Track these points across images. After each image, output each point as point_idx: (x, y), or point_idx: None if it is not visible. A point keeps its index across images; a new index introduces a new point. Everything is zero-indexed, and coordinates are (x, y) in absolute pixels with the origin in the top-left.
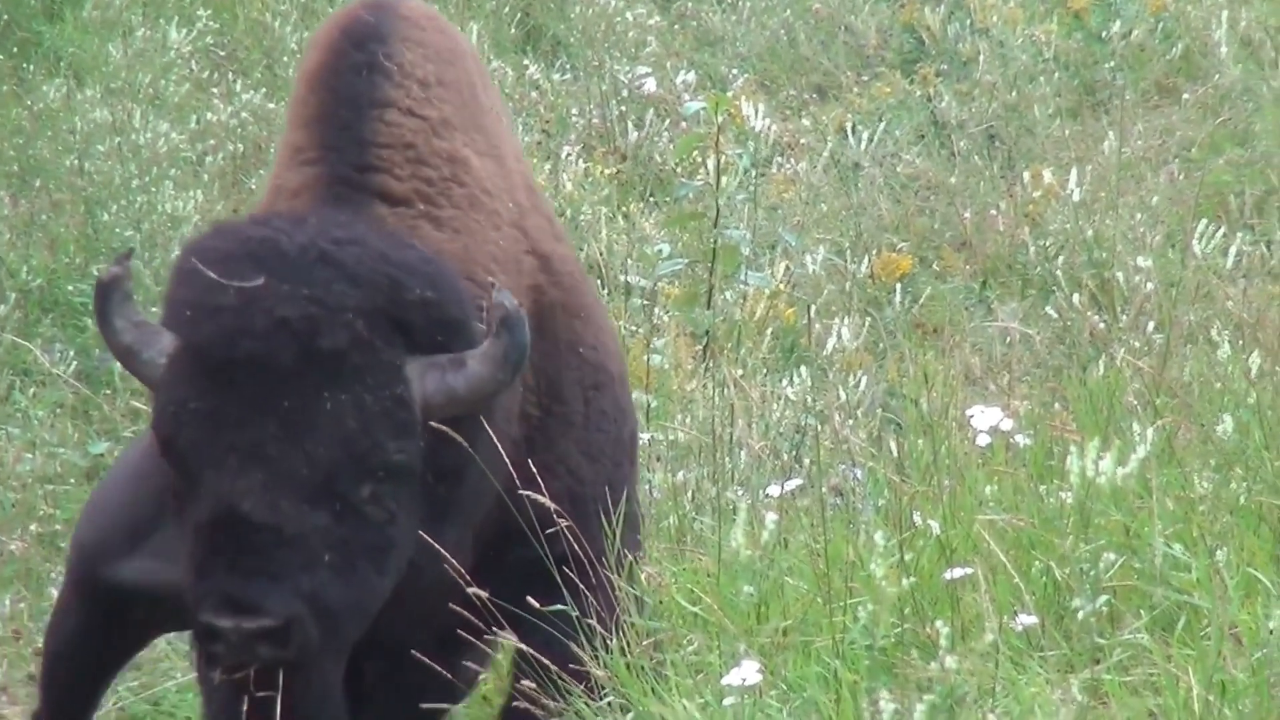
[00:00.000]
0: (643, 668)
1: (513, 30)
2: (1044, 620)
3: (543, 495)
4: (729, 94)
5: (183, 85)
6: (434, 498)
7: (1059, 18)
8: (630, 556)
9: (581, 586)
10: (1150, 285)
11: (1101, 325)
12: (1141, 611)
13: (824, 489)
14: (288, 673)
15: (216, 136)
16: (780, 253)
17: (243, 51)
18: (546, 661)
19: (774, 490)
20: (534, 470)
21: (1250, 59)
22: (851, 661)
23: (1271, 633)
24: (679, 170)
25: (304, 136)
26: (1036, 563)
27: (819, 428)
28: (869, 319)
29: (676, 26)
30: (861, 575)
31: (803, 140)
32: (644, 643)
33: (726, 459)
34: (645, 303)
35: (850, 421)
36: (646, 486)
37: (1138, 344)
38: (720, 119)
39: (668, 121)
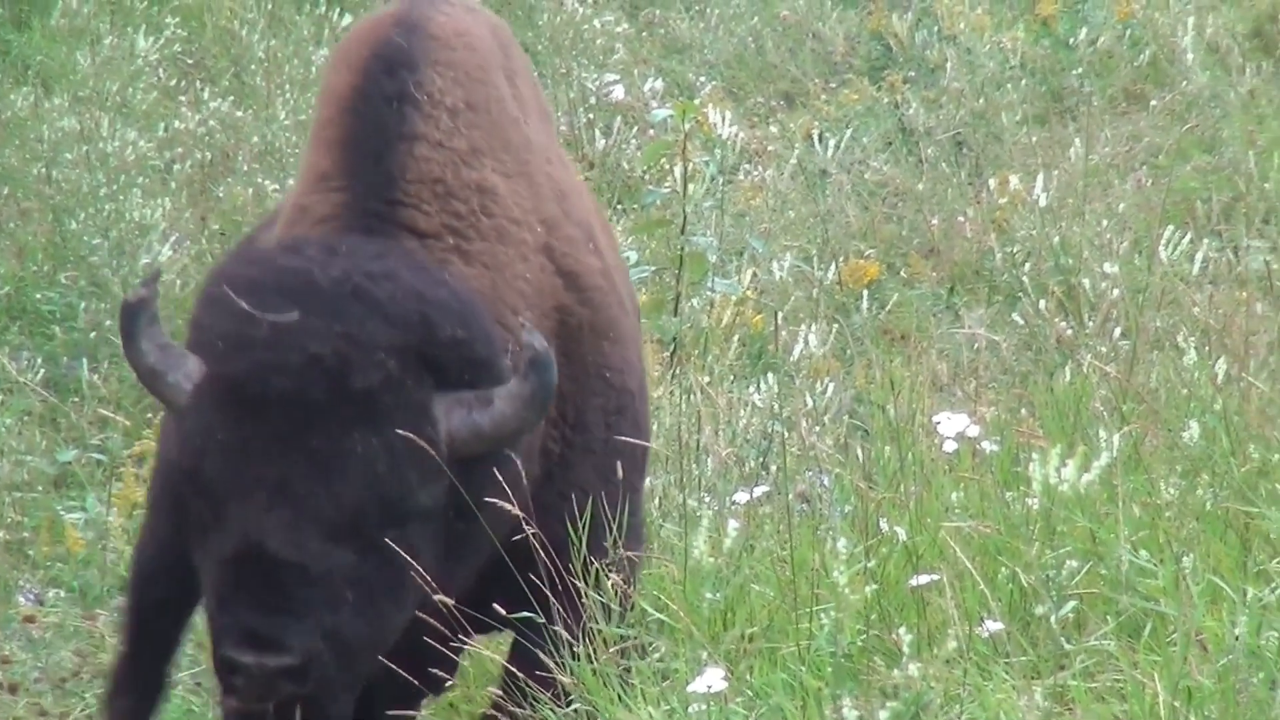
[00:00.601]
0: (609, 675)
1: None
2: (1009, 626)
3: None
4: (696, 101)
5: (150, 93)
6: (453, 532)
7: (1026, 25)
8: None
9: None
10: (1117, 291)
11: (1068, 331)
12: (1108, 618)
13: (791, 496)
14: (304, 706)
15: (184, 144)
16: (747, 260)
17: (210, 59)
18: (514, 669)
19: (741, 497)
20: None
21: (1217, 65)
22: (817, 668)
23: (1237, 639)
24: (646, 177)
25: (331, 163)
26: (1002, 569)
27: (786, 434)
28: (836, 326)
29: (644, 34)
30: (827, 582)
31: (770, 147)
32: (610, 650)
33: (693, 466)
34: None
35: (817, 428)
36: None
37: (1104, 350)
38: (687, 126)
39: (635, 129)
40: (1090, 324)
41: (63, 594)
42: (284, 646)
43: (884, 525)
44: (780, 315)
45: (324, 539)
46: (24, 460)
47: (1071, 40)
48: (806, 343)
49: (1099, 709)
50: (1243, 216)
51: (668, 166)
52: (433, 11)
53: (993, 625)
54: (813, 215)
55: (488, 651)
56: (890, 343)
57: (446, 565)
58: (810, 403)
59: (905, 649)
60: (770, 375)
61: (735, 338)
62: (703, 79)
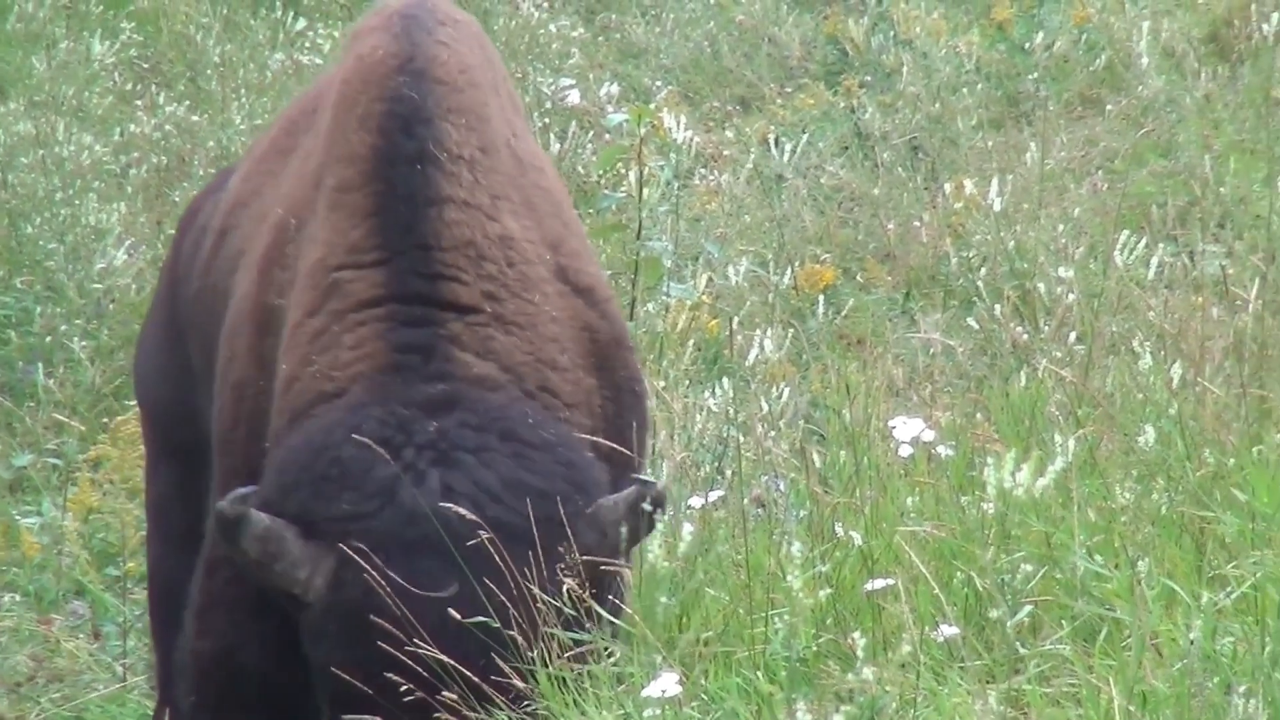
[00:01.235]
0: (564, 679)
1: None
2: (965, 631)
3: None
4: (652, 106)
5: (106, 98)
6: None
7: (982, 29)
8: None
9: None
10: (1072, 296)
11: (1024, 336)
12: (1063, 622)
13: (746, 500)
14: None
15: (140, 149)
16: (703, 264)
17: (166, 64)
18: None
19: (696, 502)
20: None
21: (1173, 70)
22: (772, 672)
23: (1192, 643)
24: (602, 182)
25: (362, 234)
26: (958, 574)
27: (741, 439)
28: (792, 330)
29: (600, 38)
30: (782, 587)
31: (726, 152)
32: (565, 655)
33: (649, 470)
34: None
35: (773, 433)
36: None
37: (1060, 355)
38: (643, 131)
39: (591, 133)
40: (1045, 329)
41: (18, 598)
42: None
43: (839, 530)
44: (735, 320)
45: None
46: None
47: (1027, 45)
48: (762, 347)
49: (1054, 713)
50: (1198, 221)
51: (623, 171)
52: (435, 48)
53: (948, 630)
54: (768, 220)
55: None
56: (846, 347)
57: None
58: (765, 407)
59: (860, 653)
60: (725, 380)
61: (690, 342)
62: (658, 83)
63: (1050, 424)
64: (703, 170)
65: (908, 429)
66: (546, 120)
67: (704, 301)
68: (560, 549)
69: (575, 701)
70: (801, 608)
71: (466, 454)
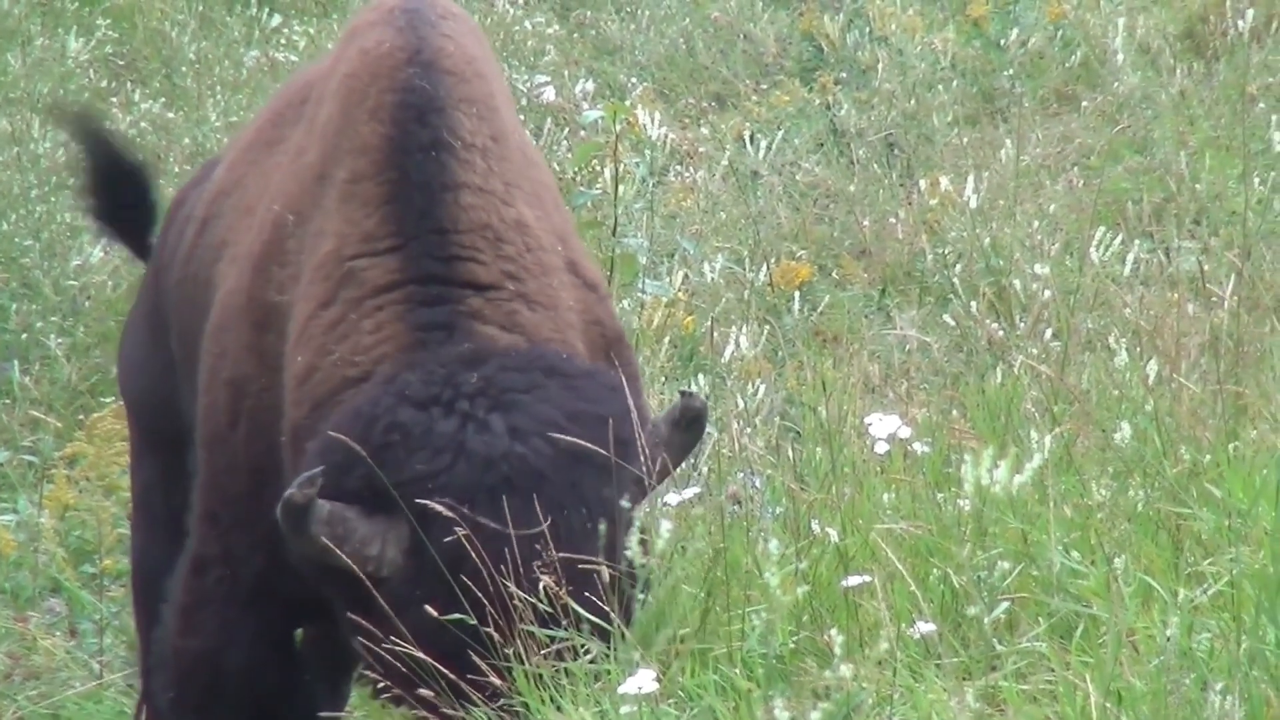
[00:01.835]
0: (541, 676)
1: None
2: (941, 628)
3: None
4: (627, 102)
5: (82, 94)
6: None
7: (957, 26)
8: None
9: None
10: (1048, 293)
11: (1000, 333)
12: (1039, 619)
13: (722, 497)
14: None
15: None
16: (679, 261)
17: (142, 61)
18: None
19: (672, 499)
20: None
21: (1149, 66)
22: (749, 669)
23: (1169, 640)
24: (577, 179)
25: (376, 222)
26: (934, 570)
27: (717, 436)
28: (768, 327)
29: (575, 35)
30: (759, 584)
31: (701, 149)
32: (542, 652)
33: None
34: None
35: (749, 430)
36: None
37: (1036, 351)
38: (618, 128)
39: (566, 130)
40: (1021, 325)
41: None
42: None
43: (816, 527)
44: (711, 317)
45: None
46: None
47: (1003, 41)
48: (738, 344)
49: (1031, 710)
50: (1174, 218)
51: (599, 168)
52: (439, 40)
53: (924, 626)
54: (744, 217)
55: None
56: (822, 344)
57: None
58: (742, 404)
59: (837, 650)
60: (701, 377)
61: (666, 339)
62: (634, 80)
63: (1026, 421)
64: (678, 167)
65: (884, 426)
66: (522, 117)
67: (680, 298)
68: (631, 469)
69: (552, 698)
70: (778, 605)
71: (520, 394)
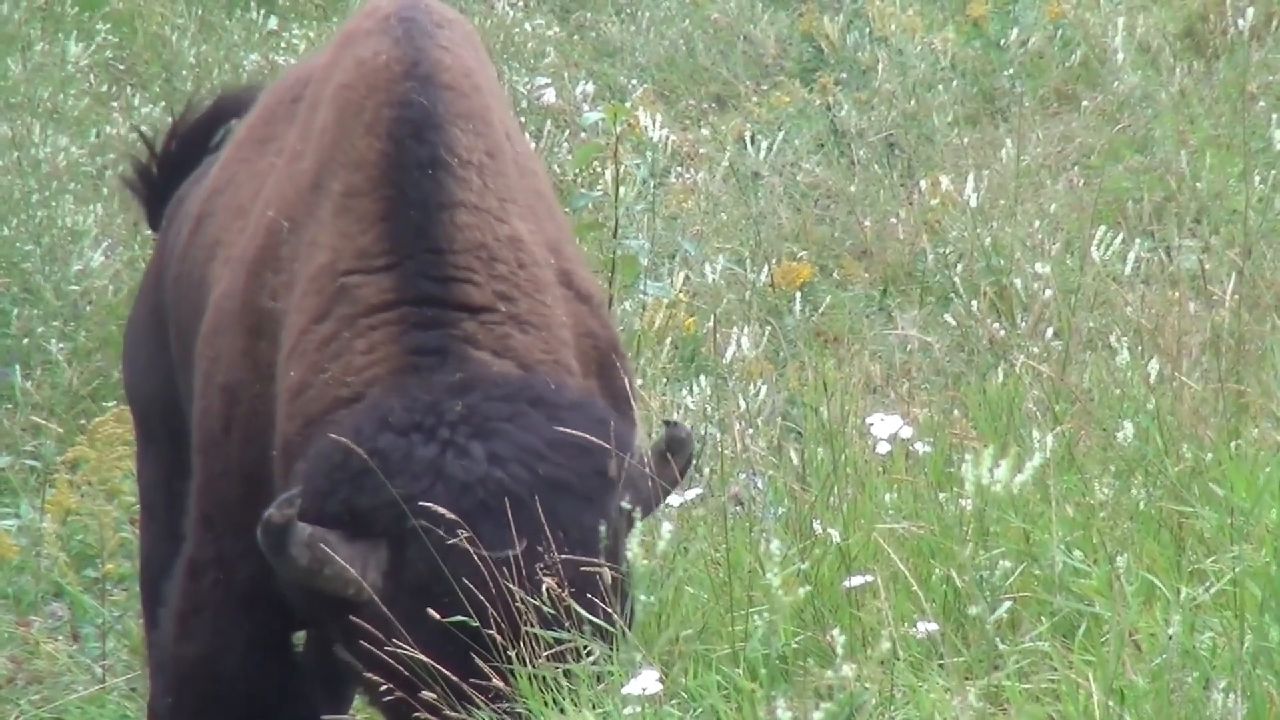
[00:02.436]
0: (544, 678)
1: None
2: (944, 627)
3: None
4: (628, 104)
5: (82, 99)
6: None
7: (957, 26)
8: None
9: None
10: (1049, 292)
11: (1001, 332)
12: (1042, 618)
13: (724, 498)
14: None
15: (116, 150)
16: (680, 262)
17: (141, 65)
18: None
19: (674, 500)
20: None
21: (1148, 65)
22: (751, 670)
23: (1171, 639)
24: (578, 181)
25: (371, 239)
26: (936, 570)
27: (719, 437)
28: (769, 328)
29: (575, 37)
30: (761, 584)
31: (702, 150)
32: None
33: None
34: None
35: (750, 430)
36: None
37: (1037, 351)
38: (619, 129)
39: (566, 132)
40: (1023, 325)
41: None
42: None
43: (818, 527)
44: (713, 318)
45: None
46: None
47: (1003, 41)
48: (739, 345)
49: (1033, 709)
50: (1175, 216)
51: (599, 170)
52: (438, 53)
53: (927, 626)
54: (745, 217)
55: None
56: (823, 345)
57: None
58: (743, 405)
59: (839, 650)
60: (703, 378)
61: (668, 340)
62: (634, 82)
63: (1028, 420)
64: (679, 168)
65: (885, 426)
66: (522, 119)
67: (681, 300)
68: (610, 500)
69: (554, 700)
70: (780, 605)
71: (502, 422)
